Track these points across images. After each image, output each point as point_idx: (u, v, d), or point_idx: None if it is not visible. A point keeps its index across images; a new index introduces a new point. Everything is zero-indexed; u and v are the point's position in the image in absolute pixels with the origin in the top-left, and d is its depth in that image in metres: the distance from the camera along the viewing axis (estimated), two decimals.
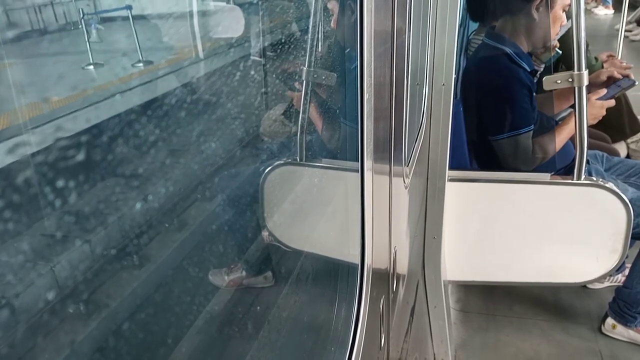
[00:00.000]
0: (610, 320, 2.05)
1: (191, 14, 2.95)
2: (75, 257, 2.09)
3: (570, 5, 1.70)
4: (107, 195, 2.35)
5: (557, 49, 2.02)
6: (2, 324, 1.72)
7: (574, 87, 1.46)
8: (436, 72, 1.58)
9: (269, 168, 1.48)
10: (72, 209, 2.17)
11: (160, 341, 1.83)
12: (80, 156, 1.69)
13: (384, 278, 0.97)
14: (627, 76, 1.97)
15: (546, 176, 1.64)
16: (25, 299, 1.84)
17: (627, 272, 2.05)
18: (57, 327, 1.84)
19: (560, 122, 1.85)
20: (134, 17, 2.89)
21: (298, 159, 1.41)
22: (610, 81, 1.94)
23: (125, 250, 2.28)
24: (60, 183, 1.63)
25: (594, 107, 1.73)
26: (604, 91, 1.80)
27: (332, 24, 1.48)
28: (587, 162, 1.57)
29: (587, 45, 1.86)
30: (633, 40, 6.69)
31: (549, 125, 1.82)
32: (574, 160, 1.56)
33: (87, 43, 2.77)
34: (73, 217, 2.17)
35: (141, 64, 2.96)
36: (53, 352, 1.77)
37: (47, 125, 2.03)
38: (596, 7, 8.86)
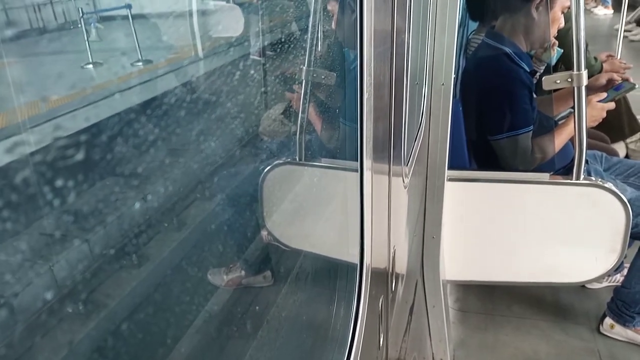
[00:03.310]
0: (608, 320, 2.05)
1: (190, 13, 2.94)
2: (74, 256, 2.09)
3: (570, 5, 1.71)
4: (105, 195, 2.35)
5: (557, 47, 2.03)
6: (1, 323, 1.72)
7: (573, 87, 1.46)
8: (435, 72, 1.58)
9: (268, 167, 1.47)
10: (71, 209, 2.17)
11: (159, 341, 1.83)
12: (79, 155, 1.69)
13: (383, 277, 0.97)
14: (627, 79, 1.98)
15: (545, 176, 1.64)
16: (25, 298, 1.84)
17: (625, 272, 2.06)
18: (56, 326, 1.84)
19: (560, 123, 1.85)
20: (133, 16, 2.89)
21: (297, 159, 1.41)
22: (610, 84, 1.94)
23: (124, 250, 2.28)
24: (58, 182, 1.63)
25: (595, 109, 1.73)
26: (604, 94, 1.81)
27: (333, 25, 1.48)
28: (586, 162, 1.57)
29: (587, 46, 1.86)
30: (632, 40, 6.70)
31: (549, 126, 1.82)
32: (573, 160, 1.56)
33: (87, 42, 2.76)
34: (72, 217, 2.17)
35: (140, 63, 2.96)
36: (52, 351, 1.76)
37: (46, 124, 2.02)
38: (596, 7, 8.87)
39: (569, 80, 1.46)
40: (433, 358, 1.95)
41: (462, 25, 2.23)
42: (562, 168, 1.78)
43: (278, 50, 2.28)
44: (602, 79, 1.99)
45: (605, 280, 2.27)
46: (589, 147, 1.59)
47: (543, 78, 1.53)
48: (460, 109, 1.88)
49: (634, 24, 7.01)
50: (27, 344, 1.71)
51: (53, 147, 1.79)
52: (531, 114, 1.75)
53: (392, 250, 1.04)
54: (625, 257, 1.69)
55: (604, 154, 2.17)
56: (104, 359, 1.84)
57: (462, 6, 1.85)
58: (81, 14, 2.85)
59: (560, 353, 2.02)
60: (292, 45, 1.96)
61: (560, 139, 1.75)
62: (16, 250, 1.94)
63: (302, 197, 1.50)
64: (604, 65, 2.60)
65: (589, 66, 2.47)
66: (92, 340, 1.88)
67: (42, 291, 1.91)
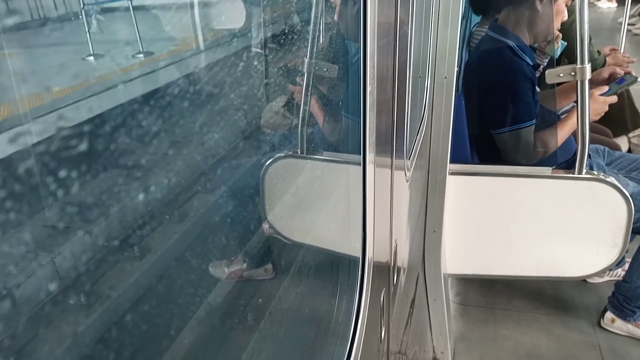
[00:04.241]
0: (609, 315, 2.05)
1: (192, 5, 2.93)
2: (75, 248, 2.09)
3: None
4: (106, 187, 2.35)
5: (561, 40, 2.02)
6: (2, 315, 1.73)
7: (576, 81, 1.46)
8: (438, 65, 1.57)
9: (270, 160, 1.47)
10: (72, 200, 2.17)
11: (160, 333, 1.84)
12: (80, 147, 1.69)
13: (384, 271, 0.97)
14: (629, 72, 1.97)
15: (547, 170, 1.64)
16: (26, 290, 1.84)
17: (627, 266, 2.06)
18: (58, 318, 1.85)
19: (562, 117, 1.84)
20: (134, 8, 2.88)
21: (299, 152, 1.41)
22: (613, 78, 1.93)
23: (125, 242, 2.28)
24: (59, 174, 1.63)
25: (597, 102, 1.72)
26: (606, 87, 1.80)
27: (335, 17, 1.47)
28: (589, 156, 1.57)
29: (590, 39, 1.85)
30: (636, 34, 6.66)
31: (551, 120, 1.82)
32: (575, 154, 1.55)
33: (88, 33, 2.75)
34: (73, 208, 2.17)
35: (141, 55, 2.95)
36: (53, 343, 1.77)
37: (47, 115, 2.02)
38: (599, 0, 8.82)
39: (572, 73, 1.45)
40: (434, 351, 1.96)
41: (465, 18, 2.22)
42: (564, 162, 1.78)
43: (280, 42, 2.27)
44: (605, 73, 1.98)
45: (606, 274, 2.28)
46: (591, 141, 1.59)
47: (546, 71, 1.52)
48: (463, 102, 1.88)
49: (638, 18, 6.97)
50: (30, 336, 1.72)
51: (54, 138, 1.78)
52: (534, 108, 1.74)
53: (393, 244, 1.04)
54: (627, 252, 1.70)
55: (607, 148, 2.16)
56: (105, 350, 1.85)
57: None
58: (82, 5, 2.84)
59: (560, 347, 2.02)
60: (294, 38, 1.95)
61: (562, 133, 1.74)
62: (18, 242, 1.95)
63: (303, 190, 1.49)
64: (607, 59, 2.59)
65: (592, 60, 2.46)
66: (93, 332, 1.88)
67: (44, 283, 1.92)
